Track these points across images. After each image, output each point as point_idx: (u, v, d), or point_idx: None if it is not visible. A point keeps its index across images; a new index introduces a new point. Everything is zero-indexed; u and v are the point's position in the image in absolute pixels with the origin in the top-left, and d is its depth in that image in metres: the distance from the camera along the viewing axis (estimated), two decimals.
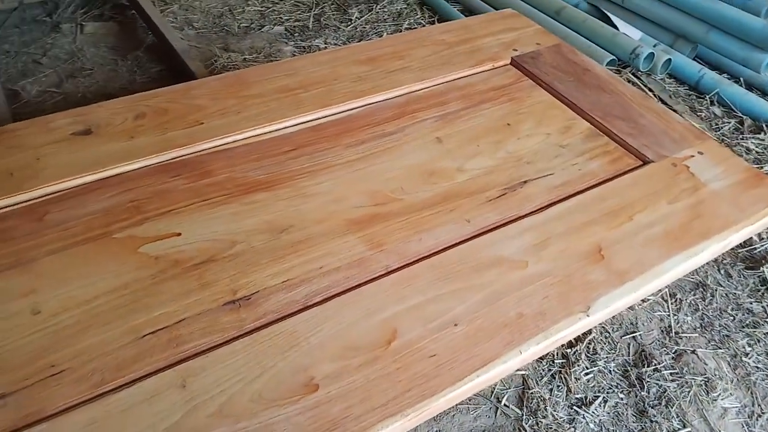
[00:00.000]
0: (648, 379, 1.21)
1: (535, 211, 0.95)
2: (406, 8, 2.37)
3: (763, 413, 1.17)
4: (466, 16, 2.28)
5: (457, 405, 1.15)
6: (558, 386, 1.19)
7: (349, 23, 2.27)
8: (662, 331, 1.31)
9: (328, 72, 1.19)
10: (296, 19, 2.28)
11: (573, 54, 1.32)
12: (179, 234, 0.86)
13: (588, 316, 0.81)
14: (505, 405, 1.16)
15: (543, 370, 1.22)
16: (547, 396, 1.17)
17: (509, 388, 1.19)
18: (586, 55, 1.33)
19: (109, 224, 0.86)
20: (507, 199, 0.96)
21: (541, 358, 1.24)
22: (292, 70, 1.19)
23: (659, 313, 1.35)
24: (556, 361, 1.23)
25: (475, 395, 1.17)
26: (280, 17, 2.28)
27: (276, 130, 1.05)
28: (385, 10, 2.36)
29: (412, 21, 2.31)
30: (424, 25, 2.29)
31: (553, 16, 2.22)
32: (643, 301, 1.37)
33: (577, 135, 1.10)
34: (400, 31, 2.22)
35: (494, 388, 1.18)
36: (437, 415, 1.13)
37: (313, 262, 0.84)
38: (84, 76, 1.85)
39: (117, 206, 0.89)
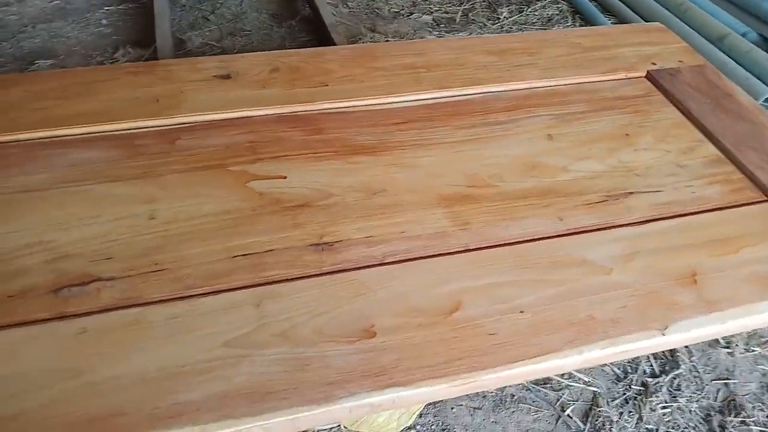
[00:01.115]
0: (732, 429, 1.12)
1: (633, 223, 0.92)
2: (557, 14, 2.34)
3: None
4: None
5: (518, 403, 1.14)
6: (630, 412, 1.14)
7: (496, 21, 2.27)
8: (762, 386, 1.21)
9: (454, 57, 1.22)
10: (445, 11, 2.32)
11: (717, 77, 1.24)
12: (285, 177, 0.93)
13: (663, 335, 0.78)
14: (568, 416, 1.13)
15: (617, 392, 1.17)
16: (615, 418, 1.13)
17: (577, 401, 1.16)
18: (742, 88, 1.25)
19: (227, 158, 0.96)
20: (606, 205, 0.94)
21: (618, 379, 1.20)
22: (420, 50, 1.23)
23: (763, 367, 1.24)
24: (633, 387, 1.18)
25: (539, 398, 1.15)
26: (430, 7, 2.34)
27: (392, 102, 1.10)
28: (536, 13, 2.34)
29: (561, 27, 2.27)
30: None
31: (714, 41, 2.08)
32: (746, 350, 1.27)
33: (700, 158, 1.05)
34: None
35: (560, 397, 1.16)
36: (496, 408, 1.13)
37: (396, 225, 0.88)
38: (242, 36, 2.03)
39: (237, 144, 0.98)
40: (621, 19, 2.31)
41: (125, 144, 0.96)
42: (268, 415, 0.66)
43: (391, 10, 2.30)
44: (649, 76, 1.22)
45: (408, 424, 1.10)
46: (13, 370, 0.68)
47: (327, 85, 1.11)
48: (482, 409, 1.13)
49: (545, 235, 0.89)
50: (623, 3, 2.35)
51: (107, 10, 2.19)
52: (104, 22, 2.13)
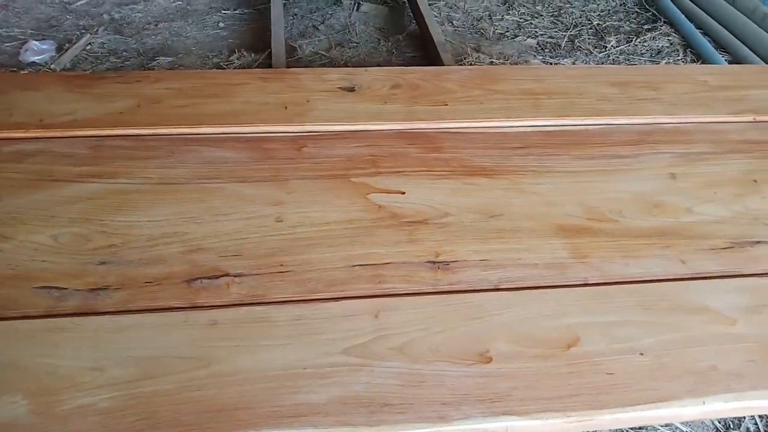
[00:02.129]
0: None
1: (759, 274, 0.88)
2: (668, 47, 2.27)
3: None
4: None
5: None
6: None
7: (603, 50, 2.23)
8: None
9: (574, 86, 1.20)
10: (550, 36, 2.30)
11: None
12: (403, 193, 0.95)
13: None
14: None
15: None
16: None
17: None
18: None
19: (350, 168, 0.99)
20: (732, 253, 0.91)
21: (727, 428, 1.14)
22: (539, 76, 1.23)
23: None
24: None
25: None
26: (535, 31, 2.33)
27: (510, 126, 1.10)
28: (645, 44, 2.28)
29: (670, 61, 2.20)
30: None
31: None
32: None
33: None
34: None
35: None
36: None
37: (513, 252, 0.88)
38: (350, 47, 2.08)
39: (359, 156, 1.01)
40: (736, 57, 2.21)
41: (255, 146, 1.01)
42: (385, 427, 0.67)
43: (496, 31, 2.30)
44: None
45: None
46: (150, 353, 0.72)
47: (446, 105, 1.12)
48: None
49: (666, 277, 0.86)
50: (739, 40, 2.25)
51: (224, 13, 2.31)
52: (221, 25, 2.24)
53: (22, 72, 1.97)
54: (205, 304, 0.78)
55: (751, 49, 2.21)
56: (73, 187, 0.92)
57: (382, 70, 1.21)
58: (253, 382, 0.70)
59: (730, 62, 2.18)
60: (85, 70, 2.01)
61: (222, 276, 0.81)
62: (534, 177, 1.00)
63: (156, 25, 2.24)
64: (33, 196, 0.90)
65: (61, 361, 0.71)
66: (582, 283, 0.85)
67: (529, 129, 1.09)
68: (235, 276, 0.82)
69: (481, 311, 0.80)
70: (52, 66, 2.04)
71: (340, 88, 1.15)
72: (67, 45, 2.12)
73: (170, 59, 2.07)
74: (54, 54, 2.09)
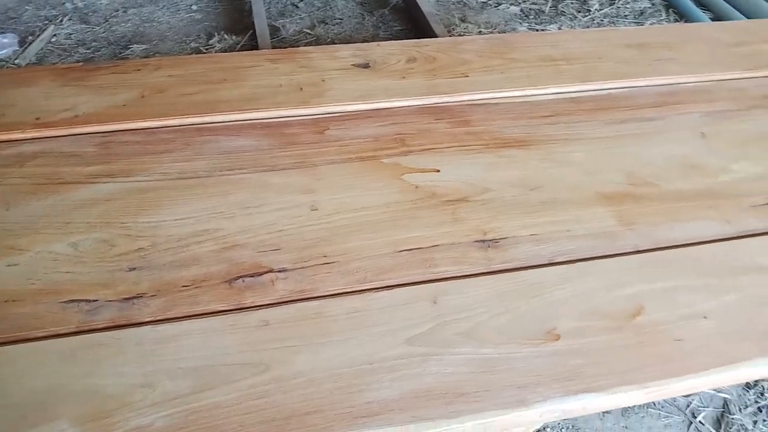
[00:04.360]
0: None
1: None
2: (650, 7, 2.26)
3: None
4: None
5: (647, 408, 1.11)
6: (764, 420, 1.10)
7: (587, 14, 2.21)
8: None
9: (592, 50, 1.17)
10: (533, 2, 2.27)
11: None
12: (438, 170, 0.91)
13: None
14: (700, 422, 1.09)
15: (749, 400, 1.13)
16: (750, 426, 1.09)
17: (707, 407, 1.12)
18: None
19: (378, 149, 0.94)
20: None
21: (748, 386, 1.15)
22: (555, 42, 1.19)
23: None
24: (766, 395, 1.13)
25: (668, 403, 1.12)
26: None
27: (535, 95, 1.06)
28: (627, 6, 2.26)
29: (654, 21, 2.19)
30: None
31: None
32: None
33: None
34: None
35: (690, 402, 1.12)
36: (626, 411, 1.10)
37: (561, 224, 0.85)
38: (333, 24, 2.01)
39: (385, 135, 0.96)
40: (718, 14, 2.22)
41: (275, 132, 0.95)
42: (464, 417, 0.64)
43: (479, 0, 2.26)
44: None
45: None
46: (201, 362, 0.67)
47: (467, 76, 1.08)
48: (612, 413, 1.10)
49: (715, 238, 0.85)
50: None
51: None
52: (194, 8, 2.14)
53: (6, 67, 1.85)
54: (252, 305, 0.73)
55: (730, 4, 2.22)
56: (85, 189, 0.85)
57: (395, 43, 1.16)
58: (318, 384, 0.66)
59: (712, 19, 2.18)
60: (54, 63, 1.90)
61: (265, 272, 0.76)
62: (567, 145, 0.97)
63: (125, 11, 2.13)
64: (43, 202, 0.83)
65: (106, 380, 0.65)
66: (634, 250, 0.82)
67: (554, 96, 1.06)
68: (279, 271, 0.77)
69: (540, 288, 0.77)
70: (16, 61, 1.92)
71: (353, 65, 1.09)
72: (30, 38, 2.00)
73: (144, 47, 1.96)
74: (17, 48, 1.97)
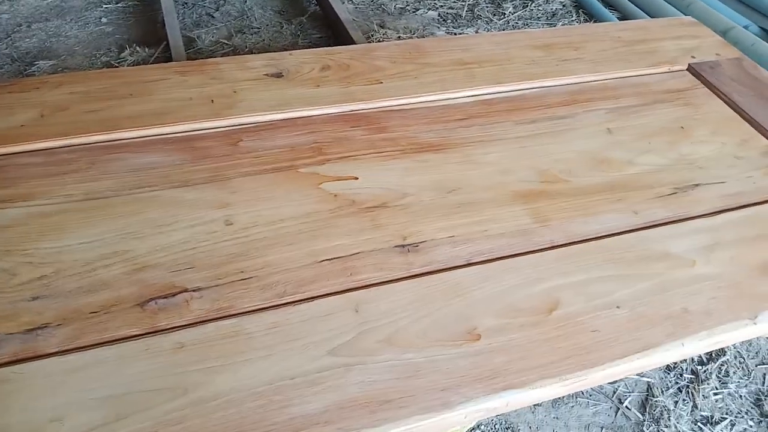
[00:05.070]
0: None
1: (705, 214, 0.92)
2: (561, 9, 2.35)
3: None
4: None
5: (576, 397, 1.14)
6: (684, 400, 1.15)
7: (502, 17, 2.27)
8: None
9: (501, 52, 1.20)
10: (450, 7, 2.31)
11: (755, 69, 1.26)
12: (356, 178, 0.91)
13: (755, 324, 0.78)
14: (627, 407, 1.13)
15: (670, 382, 1.18)
16: (671, 407, 1.14)
17: (632, 392, 1.16)
18: None
19: (295, 159, 0.93)
20: (677, 198, 0.94)
21: (669, 369, 1.21)
22: (466, 45, 1.22)
23: None
24: (684, 376, 1.19)
25: (595, 391, 1.15)
26: (435, 3, 2.32)
27: (449, 99, 1.08)
28: (540, 8, 2.34)
29: (566, 22, 2.28)
30: None
31: (720, 35, 2.11)
32: None
33: (755, 149, 1.06)
34: None
35: (616, 389, 1.16)
36: (555, 403, 1.13)
37: (478, 224, 0.86)
38: (251, 33, 1.98)
39: (302, 145, 0.95)
40: (624, 14, 2.33)
41: (186, 147, 0.92)
42: (389, 425, 0.64)
43: (397, 6, 2.28)
44: (691, 69, 1.23)
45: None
46: (114, 391, 0.64)
47: (381, 83, 1.09)
48: (542, 405, 1.12)
49: (625, 229, 0.88)
50: None
51: (106, 8, 2.12)
52: (104, 20, 2.06)
53: None
54: (167, 327, 0.70)
55: (636, 5, 2.33)
56: None
57: (308, 52, 1.15)
58: (238, 404, 0.64)
59: (620, 19, 2.29)
60: None
61: (179, 293, 0.74)
62: (482, 147, 0.99)
63: (29, 26, 2.02)
64: None
65: (13, 418, 0.61)
66: (549, 246, 0.85)
67: (468, 99, 1.08)
68: (193, 290, 0.74)
69: (460, 289, 0.77)
70: None
71: (266, 75, 1.07)
72: None
73: (52, 62, 1.87)
74: None
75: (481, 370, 0.69)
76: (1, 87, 1.00)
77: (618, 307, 0.78)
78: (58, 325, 0.69)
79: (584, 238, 0.86)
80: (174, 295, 0.73)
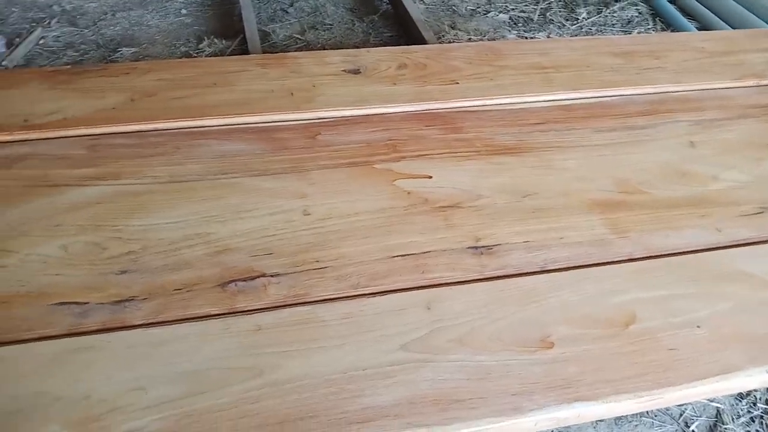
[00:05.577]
0: None
1: None
2: (637, 17, 2.29)
3: None
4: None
5: (641, 416, 1.11)
6: (757, 431, 1.10)
7: (575, 22, 2.23)
8: None
9: (579, 58, 1.18)
10: (521, 10, 2.28)
11: None
12: (430, 177, 0.91)
13: None
14: (693, 431, 1.09)
15: (741, 410, 1.13)
16: None
17: (700, 416, 1.12)
18: None
19: (371, 155, 0.94)
20: (763, 218, 0.90)
21: (741, 396, 1.16)
22: (544, 50, 1.20)
23: None
24: (758, 405, 1.14)
25: (661, 412, 1.12)
26: (506, 5, 2.30)
27: (526, 102, 1.07)
28: (615, 15, 2.29)
29: (641, 30, 2.22)
30: None
31: None
32: None
33: None
34: None
35: (683, 411, 1.12)
36: (619, 420, 1.10)
37: (554, 231, 0.85)
38: (324, 30, 2.01)
39: (377, 141, 0.96)
40: (704, 24, 2.25)
41: (266, 137, 0.95)
42: (459, 424, 0.64)
43: (468, 7, 2.27)
44: None
45: None
46: (194, 366, 0.66)
47: (457, 83, 1.08)
48: (605, 421, 1.10)
49: (707, 247, 0.85)
50: (705, 7, 2.29)
51: (186, 0, 2.19)
52: (184, 12, 2.13)
53: None
54: (245, 309, 0.72)
55: (716, 15, 2.25)
56: (75, 192, 0.84)
57: (385, 50, 1.16)
58: (312, 389, 0.65)
59: (699, 29, 2.21)
60: (42, 66, 1.88)
61: (258, 277, 0.75)
62: (559, 152, 0.97)
63: (113, 14, 2.11)
64: (31, 204, 0.82)
65: (97, 384, 0.64)
66: (627, 258, 0.83)
67: (545, 104, 1.07)
68: (271, 276, 0.76)
69: (534, 295, 0.77)
70: (3, 63, 1.90)
71: (344, 71, 1.09)
72: (17, 39, 1.97)
73: (134, 50, 1.95)
74: (4, 50, 1.94)
75: (554, 378, 0.68)
76: (93, 71, 1.05)
77: (698, 326, 0.75)
78: (144, 299, 0.72)
79: (664, 253, 0.84)
80: (253, 278, 0.75)
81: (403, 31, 1.96)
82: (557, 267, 0.81)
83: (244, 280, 0.75)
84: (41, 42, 1.97)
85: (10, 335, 0.68)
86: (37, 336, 0.68)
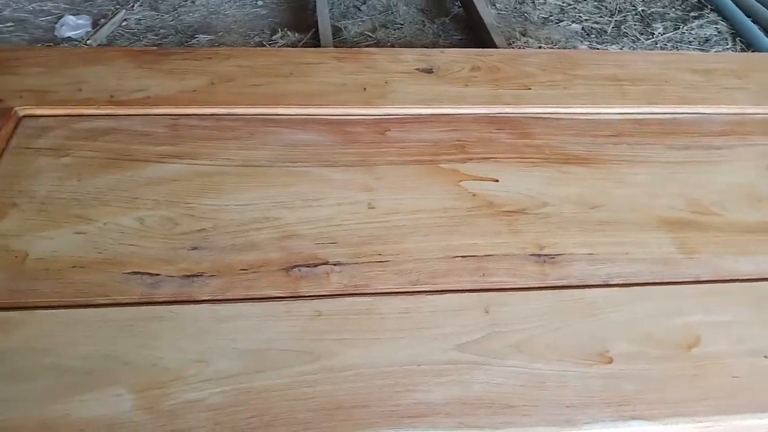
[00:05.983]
0: None
1: None
2: (716, 35, 2.21)
3: None
4: None
5: None
6: None
7: (650, 37, 2.17)
8: None
9: (657, 72, 1.15)
10: (595, 21, 2.24)
11: None
12: (497, 180, 0.91)
13: None
14: None
15: None
16: None
17: None
18: None
19: (438, 154, 0.94)
20: None
21: None
22: (620, 62, 1.18)
23: None
24: None
25: None
26: (579, 16, 2.26)
27: (599, 113, 1.05)
28: (693, 32, 2.22)
29: (720, 49, 2.14)
30: None
31: None
32: None
33: None
34: None
35: None
36: None
37: (620, 245, 0.84)
38: (395, 29, 2.02)
39: (445, 141, 0.97)
40: None
41: (338, 130, 0.96)
42: (510, 429, 0.64)
43: (540, 15, 2.24)
44: None
45: None
46: (255, 345, 0.68)
47: (530, 89, 1.08)
48: None
49: None
50: None
51: None
52: (260, 3, 2.18)
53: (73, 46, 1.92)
54: (307, 294, 0.74)
55: None
56: (154, 168, 0.88)
57: (459, 51, 1.16)
58: (367, 379, 0.66)
59: None
60: (124, 46, 1.96)
61: (321, 264, 0.77)
62: (630, 166, 0.95)
63: (193, 2, 2.18)
64: (113, 176, 0.86)
65: (163, 353, 0.67)
66: (694, 280, 0.80)
67: (619, 116, 1.05)
68: (334, 264, 0.77)
69: (595, 308, 0.75)
70: (88, 42, 1.99)
71: (417, 69, 1.10)
72: (102, 20, 2.07)
73: (210, 37, 2.01)
74: (90, 29, 2.04)
75: (611, 394, 0.67)
76: (177, 54, 1.09)
77: (765, 356, 0.72)
78: (212, 275, 0.75)
79: (733, 278, 0.81)
80: (316, 265, 0.77)
81: (474, 35, 1.96)
82: (621, 282, 0.79)
83: (308, 266, 0.77)
84: (123, 24, 2.05)
85: (85, 299, 0.72)
86: (110, 302, 0.72)
